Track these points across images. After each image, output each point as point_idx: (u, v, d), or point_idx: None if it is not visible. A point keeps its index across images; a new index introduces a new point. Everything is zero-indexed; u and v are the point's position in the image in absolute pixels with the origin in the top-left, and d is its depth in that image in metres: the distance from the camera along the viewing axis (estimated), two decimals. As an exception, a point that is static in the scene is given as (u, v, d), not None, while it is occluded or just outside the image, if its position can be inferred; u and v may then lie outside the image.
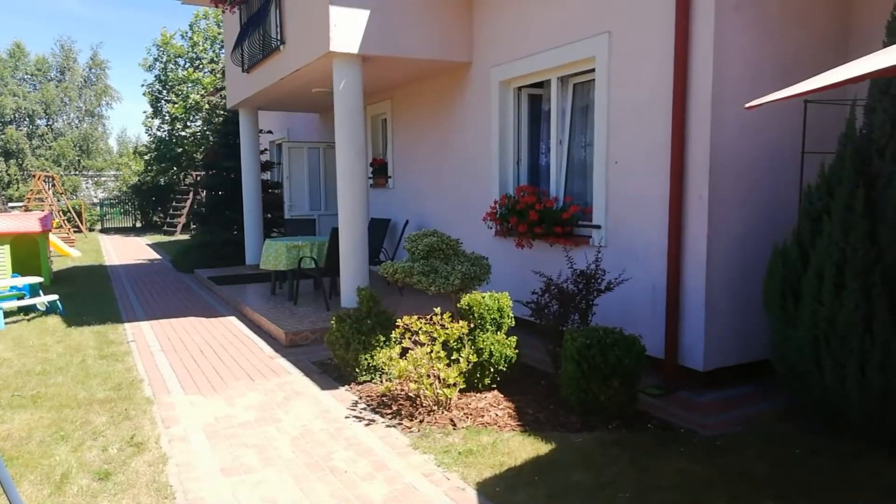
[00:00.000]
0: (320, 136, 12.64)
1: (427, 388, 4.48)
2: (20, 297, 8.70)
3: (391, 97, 9.78)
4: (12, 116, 31.55)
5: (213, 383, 5.52)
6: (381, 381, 5.39)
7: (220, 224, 13.19)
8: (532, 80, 6.93)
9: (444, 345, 4.94)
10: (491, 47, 7.33)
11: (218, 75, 20.09)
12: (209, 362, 6.17)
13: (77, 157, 33.49)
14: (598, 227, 5.92)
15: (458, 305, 5.30)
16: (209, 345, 6.84)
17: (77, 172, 33.44)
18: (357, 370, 5.35)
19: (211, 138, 21.83)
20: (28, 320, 8.19)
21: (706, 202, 4.89)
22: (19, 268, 11.57)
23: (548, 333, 5.27)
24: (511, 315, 5.26)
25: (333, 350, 5.55)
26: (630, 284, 5.54)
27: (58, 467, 3.91)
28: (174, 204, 24.16)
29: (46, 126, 33.13)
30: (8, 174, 30.84)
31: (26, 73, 32.98)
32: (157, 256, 16.07)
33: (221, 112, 13.15)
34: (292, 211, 11.49)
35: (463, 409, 4.77)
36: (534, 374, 5.52)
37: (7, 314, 8.29)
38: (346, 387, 5.36)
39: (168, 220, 24.12)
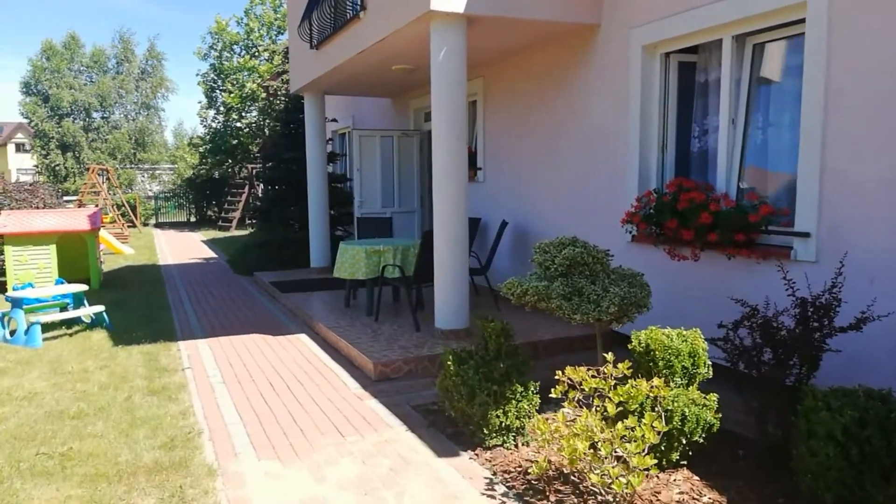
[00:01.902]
0: (392, 124, 11.29)
1: (615, 482, 3.02)
2: (63, 308, 7.60)
3: (482, 75, 8.33)
4: (69, 109, 31.35)
5: (292, 440, 4.19)
6: (516, 445, 3.97)
7: (280, 221, 12.00)
8: (691, 41, 5.38)
9: (620, 405, 3.48)
10: (630, 4, 5.79)
11: (276, 62, 18.99)
12: (283, 403, 4.86)
13: (133, 150, 33.16)
14: (805, 235, 4.35)
15: (631, 347, 3.82)
16: (280, 375, 5.54)
17: (133, 165, 33.14)
18: (485, 431, 3.93)
19: (269, 128, 20.82)
20: (70, 335, 7.07)
21: None
22: (67, 269, 10.60)
23: (759, 386, 3.75)
24: (708, 363, 3.76)
25: (450, 400, 4.14)
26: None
27: None
28: (229, 198, 23.30)
29: (102, 119, 32.88)
30: (65, 167, 30.67)
31: (82, 66, 32.74)
32: (213, 255, 15.04)
33: (282, 98, 12.01)
34: (363, 208, 10.18)
35: (649, 500, 3.31)
36: (729, 439, 4.01)
37: (47, 328, 7.20)
38: (470, 452, 3.95)
39: (223, 214, 23.29)
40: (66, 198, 23.99)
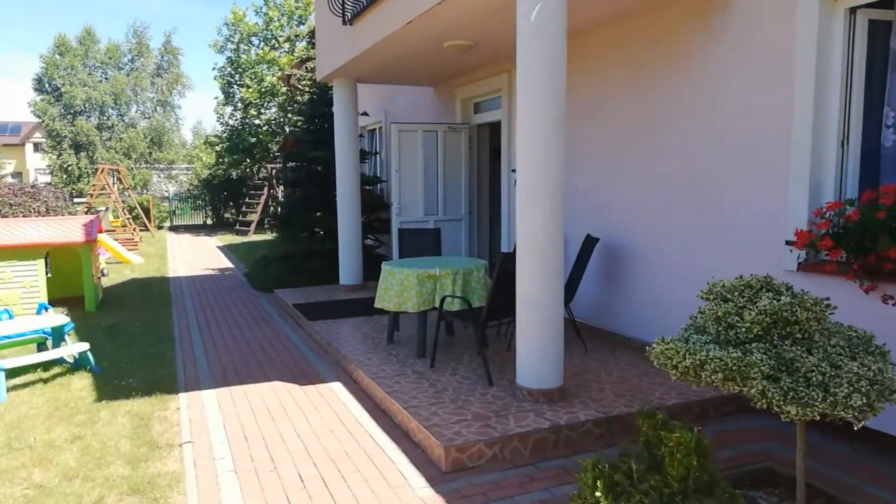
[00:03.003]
0: (434, 117, 9.73)
1: None
2: (41, 343, 6.14)
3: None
4: (82, 107, 30.20)
5: None
6: None
7: (304, 230, 10.50)
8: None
9: None
10: (794, -59, 4.18)
11: (298, 52, 17.56)
12: (320, 517, 3.32)
13: (148, 150, 31.96)
14: None
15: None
16: (312, 457, 4.00)
17: (148, 165, 31.96)
18: None
19: (291, 123, 19.36)
20: (45, 381, 5.60)
21: None
22: (63, 286, 9.20)
23: None
24: None
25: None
26: None
27: None
28: (247, 200, 21.91)
29: (117, 117, 31.71)
30: (78, 167, 29.52)
31: (96, 62, 31.57)
32: (229, 265, 13.59)
33: (307, 89, 10.55)
34: (402, 216, 8.64)
35: None
36: None
37: (16, 372, 5.73)
38: None
39: (240, 217, 21.91)
40: (77, 199, 22.78)
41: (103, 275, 11.47)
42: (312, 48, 11.98)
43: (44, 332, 6.03)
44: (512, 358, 5.56)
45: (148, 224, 21.15)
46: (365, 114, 11.29)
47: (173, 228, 24.05)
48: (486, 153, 9.10)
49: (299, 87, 13.07)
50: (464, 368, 5.31)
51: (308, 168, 10.72)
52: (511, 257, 4.72)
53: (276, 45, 21.34)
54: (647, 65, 5.53)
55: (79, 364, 5.91)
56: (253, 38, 21.86)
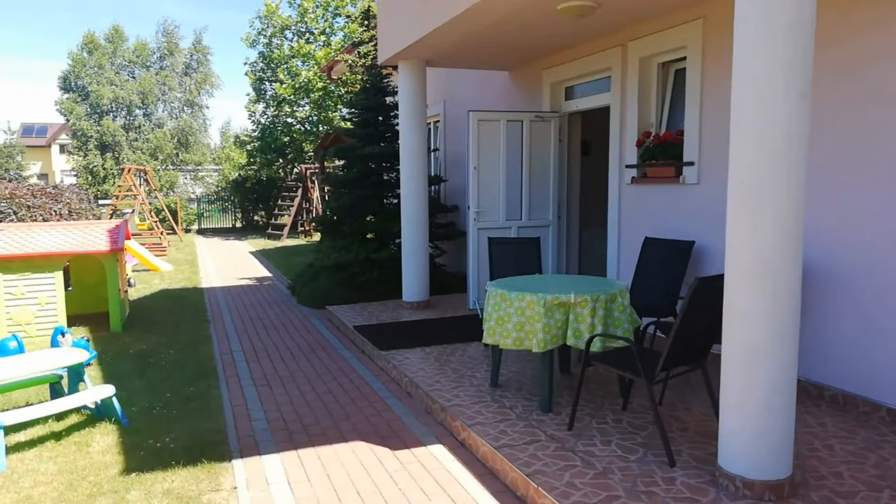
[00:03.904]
0: (506, 106, 8.36)
1: None
2: (55, 384, 4.87)
3: (703, 15, 5.32)
4: (109, 106, 29.31)
5: None
6: None
7: (357, 236, 9.18)
8: None
9: None
10: None
11: (335, 46, 16.33)
12: None
13: (175, 151, 31.01)
14: None
15: None
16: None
17: (175, 167, 31.02)
18: None
19: (327, 121, 18.12)
20: (58, 438, 4.31)
21: None
22: (85, 300, 8.01)
23: None
24: None
25: None
26: None
27: None
28: (279, 202, 20.71)
29: (144, 116, 30.80)
30: (104, 168, 28.63)
31: (124, 60, 30.69)
32: (267, 273, 12.33)
33: (358, 76, 9.26)
34: (479, 221, 7.26)
35: None
36: None
37: (19, 427, 4.46)
38: None
39: (272, 221, 20.71)
40: (101, 201, 21.76)
41: (130, 285, 10.26)
42: (366, 30, 10.69)
43: (58, 372, 4.74)
44: (672, 418, 4.15)
45: (175, 227, 20.04)
46: (423, 105, 9.90)
47: (201, 232, 22.95)
48: (576, 147, 7.71)
49: (344, 77, 11.77)
50: (613, 430, 3.92)
51: (362, 167, 9.40)
52: (710, 286, 3.32)
53: (312, 38, 20.12)
54: (870, 21, 4.10)
55: (102, 411, 4.62)
56: (287, 32, 20.65)
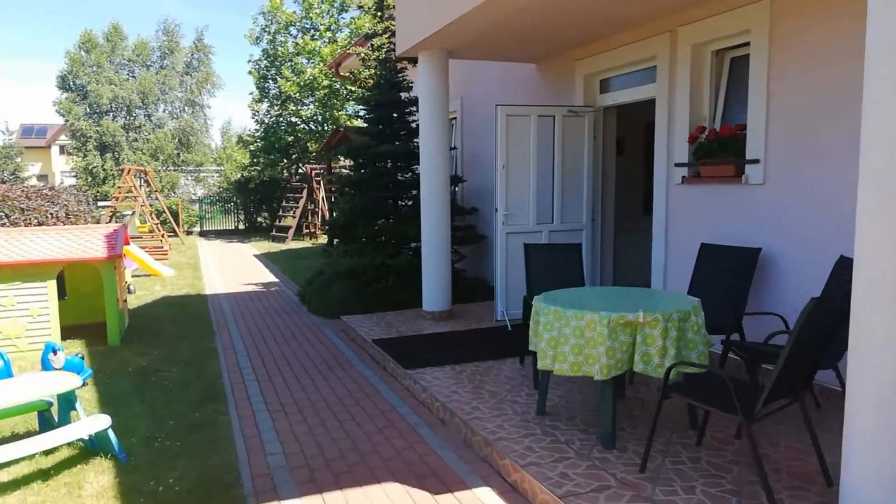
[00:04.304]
0: (537, 100, 7.79)
1: None
2: (44, 412, 4.30)
3: (765, -3, 4.75)
4: (108, 106, 28.74)
5: None
6: None
7: (372, 241, 8.61)
8: None
9: None
10: None
11: (342, 42, 15.77)
12: None
13: (176, 151, 30.42)
14: None
15: None
16: None
17: (176, 168, 30.43)
18: None
19: (346, 114, 17.52)
20: (45, 477, 3.74)
21: None
22: (80, 310, 7.44)
23: None
24: None
25: None
26: None
27: None
28: (283, 203, 20.13)
29: (144, 116, 30.22)
30: (104, 169, 28.04)
31: (124, 59, 30.12)
32: (273, 278, 11.76)
33: (372, 70, 8.69)
34: (508, 225, 6.70)
35: None
36: None
37: (2, 465, 3.89)
38: None
39: (277, 223, 20.14)
40: (102, 203, 21.20)
41: (129, 292, 9.70)
42: (380, 21, 10.09)
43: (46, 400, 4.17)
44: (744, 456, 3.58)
45: (177, 229, 19.48)
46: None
47: (203, 234, 22.39)
48: (611, 144, 7.14)
49: (355, 72, 11.19)
50: (693, 473, 3.35)
51: (376, 167, 8.84)
52: (830, 306, 2.75)
53: (317, 34, 19.55)
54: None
55: (96, 444, 4.05)
56: (291, 28, 20.07)
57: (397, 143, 8.88)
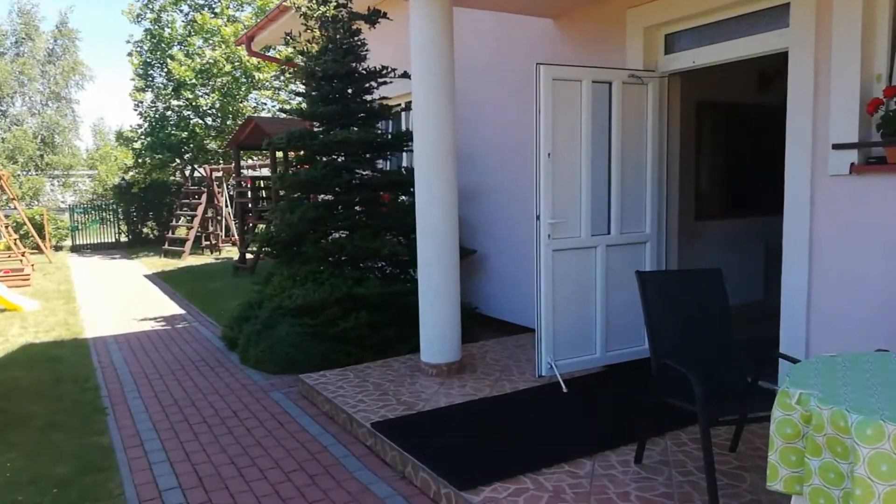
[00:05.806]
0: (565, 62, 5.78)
1: None
2: None
3: None
4: (-49, 99, 24.10)
5: None
6: None
7: (326, 261, 6.30)
8: None
9: None
10: None
11: (246, 20, 13.16)
12: None
13: (39, 153, 26.12)
14: None
15: None
16: None
17: (39, 171, 26.08)
18: None
19: (252, 105, 14.86)
20: None
21: None
22: None
23: None
24: None
25: None
26: None
27: None
28: (177, 212, 17.07)
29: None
30: (-54, 174, 23.38)
31: (-32, 44, 25.49)
32: (177, 309, 9.06)
33: (317, 31, 6.41)
34: (555, 237, 4.64)
35: None
36: None
37: None
38: None
39: (170, 234, 17.04)
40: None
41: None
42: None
43: None
44: None
45: (42, 245, 15.96)
46: (405, 74, 7.01)
47: (76, 249, 18.71)
48: (675, 122, 5.27)
49: (267, 55, 8.70)
50: None
51: (328, 162, 6.53)
52: None
53: (215, 13, 16.64)
54: None
55: None
56: (182, 5, 17.00)
57: (354, 128, 6.63)
